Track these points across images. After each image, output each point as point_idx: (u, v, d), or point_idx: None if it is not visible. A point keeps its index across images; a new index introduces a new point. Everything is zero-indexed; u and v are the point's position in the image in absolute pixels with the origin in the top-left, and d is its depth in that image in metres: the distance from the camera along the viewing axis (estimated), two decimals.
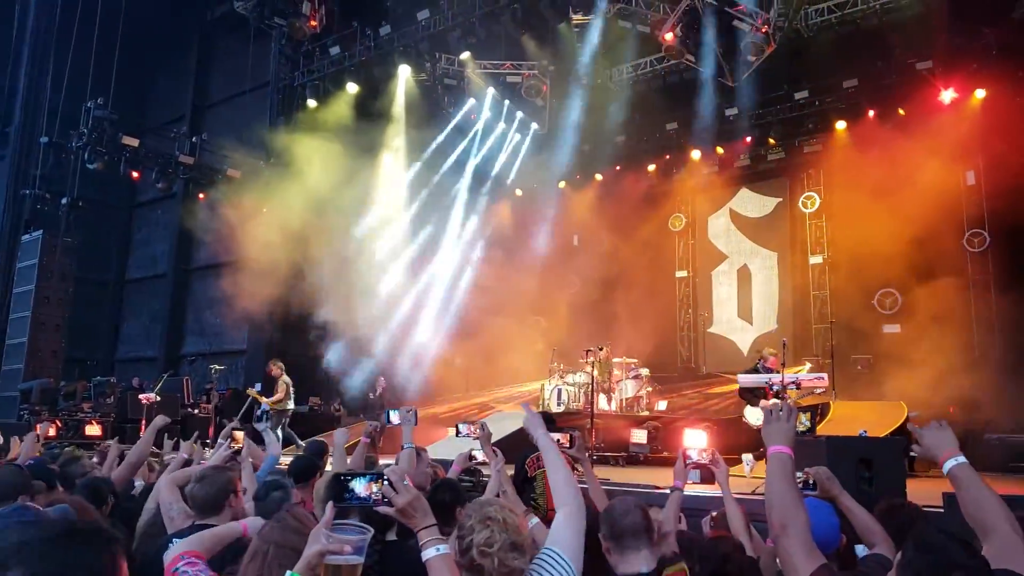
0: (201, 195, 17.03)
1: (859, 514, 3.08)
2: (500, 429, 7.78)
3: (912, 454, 2.41)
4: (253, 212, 16.55)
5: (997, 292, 12.76)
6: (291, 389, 12.20)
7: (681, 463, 3.85)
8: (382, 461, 5.37)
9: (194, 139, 16.76)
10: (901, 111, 13.42)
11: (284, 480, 4.06)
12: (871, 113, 13.75)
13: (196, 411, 14.68)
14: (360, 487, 2.12)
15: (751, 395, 9.50)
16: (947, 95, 12.90)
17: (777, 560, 2.63)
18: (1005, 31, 11.70)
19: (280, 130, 16.44)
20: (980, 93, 12.70)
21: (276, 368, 12.23)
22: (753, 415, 9.31)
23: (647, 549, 2.57)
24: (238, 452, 4.89)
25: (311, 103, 15.91)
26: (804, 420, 7.64)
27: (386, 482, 2.10)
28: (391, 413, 4.58)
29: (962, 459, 2.20)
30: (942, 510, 5.41)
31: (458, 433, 4.67)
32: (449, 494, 3.79)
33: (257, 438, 6.02)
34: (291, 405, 12.27)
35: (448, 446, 10.78)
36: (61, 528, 1.36)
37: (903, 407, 10.73)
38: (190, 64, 22.22)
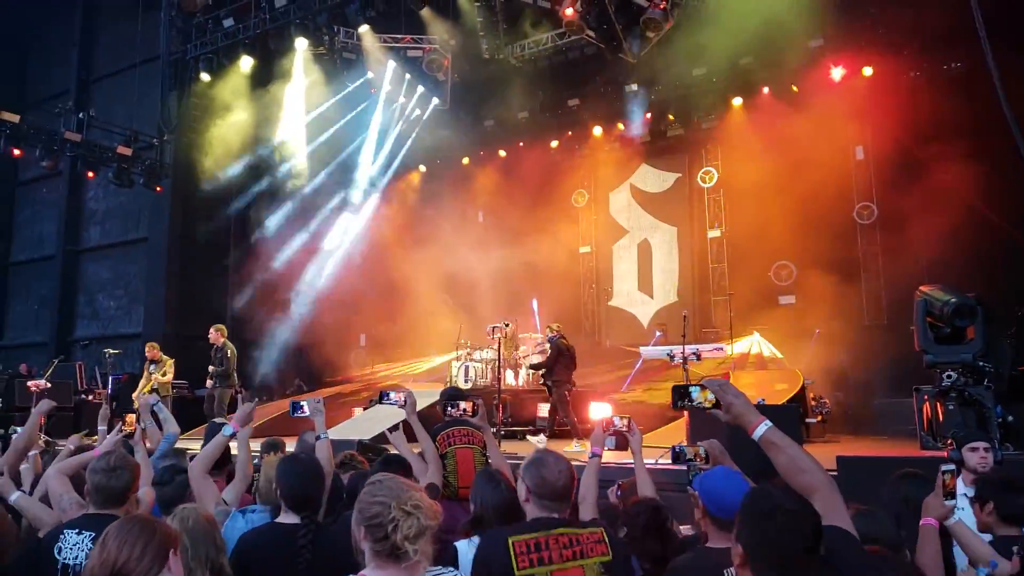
0: (90, 173, 16.16)
1: None
2: None
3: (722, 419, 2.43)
4: (148, 190, 15.85)
5: (884, 262, 13.34)
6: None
7: (600, 431, 3.84)
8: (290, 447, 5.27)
9: (80, 115, 15.81)
10: (794, 88, 13.71)
11: (185, 463, 4.01)
12: (766, 90, 14.03)
13: (90, 397, 14.35)
14: None
15: None
16: (837, 72, 13.23)
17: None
18: (889, 10, 12.11)
19: (172, 105, 15.74)
20: (868, 70, 13.09)
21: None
22: None
23: (565, 508, 2.76)
24: (130, 435, 4.73)
25: (205, 77, 15.22)
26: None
27: None
28: (301, 404, 4.35)
29: (770, 423, 2.25)
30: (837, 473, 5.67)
31: (383, 399, 4.57)
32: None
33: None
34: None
35: (351, 427, 10.66)
36: None
37: (799, 375, 11.16)
38: (73, 35, 20.86)
